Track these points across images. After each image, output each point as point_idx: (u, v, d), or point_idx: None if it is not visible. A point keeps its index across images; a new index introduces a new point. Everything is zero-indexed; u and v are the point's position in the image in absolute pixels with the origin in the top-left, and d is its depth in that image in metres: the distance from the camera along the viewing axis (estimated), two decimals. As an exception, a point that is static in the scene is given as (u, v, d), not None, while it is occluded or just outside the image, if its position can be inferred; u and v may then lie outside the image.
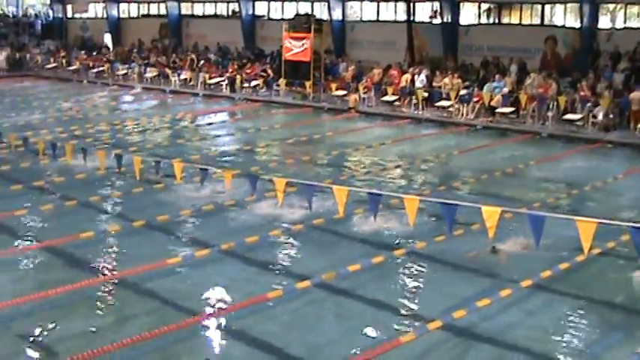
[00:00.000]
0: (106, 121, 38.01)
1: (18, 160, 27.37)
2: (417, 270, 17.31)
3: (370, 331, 14.23)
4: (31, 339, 14.01)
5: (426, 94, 39.45)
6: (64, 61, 58.64)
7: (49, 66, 59.30)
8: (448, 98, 38.80)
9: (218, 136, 34.67)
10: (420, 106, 39.29)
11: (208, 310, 15.27)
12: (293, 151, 30.76)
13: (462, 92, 38.34)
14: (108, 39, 63.70)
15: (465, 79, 39.76)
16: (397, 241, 18.89)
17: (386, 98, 40.92)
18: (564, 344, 13.87)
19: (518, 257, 17.73)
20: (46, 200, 22.67)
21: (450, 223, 14.82)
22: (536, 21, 43.42)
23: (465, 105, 37.86)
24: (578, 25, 40.94)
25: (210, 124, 38.59)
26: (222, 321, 14.80)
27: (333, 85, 42.99)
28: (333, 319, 14.88)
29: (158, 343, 13.71)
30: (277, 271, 17.28)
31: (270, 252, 18.38)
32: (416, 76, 40.60)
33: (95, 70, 55.52)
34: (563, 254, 17.71)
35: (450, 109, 38.53)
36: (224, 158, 29.56)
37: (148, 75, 51.98)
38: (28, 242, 19.28)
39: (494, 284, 16.24)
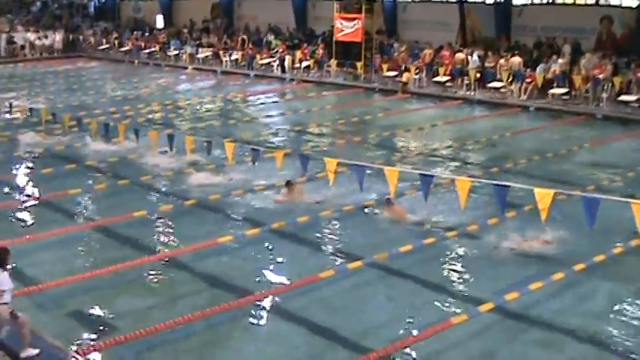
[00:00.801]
0: (157, 101, 38.23)
1: (72, 140, 27.69)
2: (468, 252, 17.20)
3: (421, 313, 14.19)
4: (85, 317, 14.19)
5: (478, 75, 39.06)
6: (116, 42, 59.03)
7: (101, 47, 59.72)
8: (501, 79, 38.36)
9: (269, 116, 34.69)
10: (473, 87, 38.93)
11: (259, 289, 15.31)
12: (344, 132, 30.70)
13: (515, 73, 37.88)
14: (160, 20, 63.90)
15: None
16: (448, 223, 18.78)
17: (437, 79, 40.62)
18: (616, 330, 13.69)
19: (572, 241, 17.51)
20: (100, 180, 22.91)
21: (502, 204, 14.70)
22: (591, 0, 42.73)
23: (518, 86, 37.41)
24: (634, 4, 40.21)
25: (261, 104, 38.64)
26: (273, 301, 14.85)
27: (385, 66, 42.78)
28: (384, 300, 14.85)
29: (209, 322, 13.81)
30: (328, 252, 17.30)
31: (321, 232, 18.39)
32: (469, 57, 40.20)
33: (147, 51, 55.80)
34: (618, 238, 17.49)
35: (503, 90, 38.11)
36: (275, 138, 29.61)
37: (200, 56, 52.15)
38: (82, 221, 19.50)
39: (547, 267, 16.08)
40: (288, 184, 20.11)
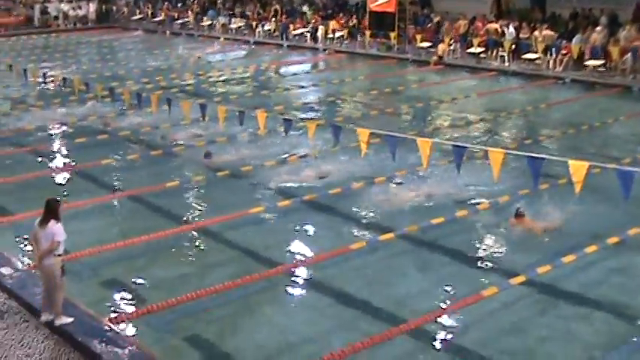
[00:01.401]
0: (190, 71, 38.28)
1: (104, 110, 27.82)
2: (500, 224, 17.09)
3: (451, 285, 14.14)
4: (118, 286, 14.30)
5: (513, 46, 38.66)
6: (149, 12, 59.08)
7: (135, 17, 59.81)
8: (536, 50, 37.95)
9: (302, 86, 34.63)
10: (507, 59, 38.54)
11: (290, 260, 15.35)
12: (377, 103, 30.57)
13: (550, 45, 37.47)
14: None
15: (555, 31, 38.73)
16: (481, 195, 18.68)
17: (471, 50, 40.27)
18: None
19: (606, 214, 17.36)
20: (132, 150, 23.01)
21: (535, 177, 14.55)
22: (629, -29, 42.05)
23: (553, 58, 37.00)
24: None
25: (293, 74, 38.56)
26: (305, 271, 14.88)
27: (418, 37, 42.51)
28: (415, 272, 14.83)
29: (241, 292, 13.87)
30: (360, 223, 17.26)
31: (353, 203, 18.34)
32: (505, 28, 39.76)
33: (180, 22, 55.79)
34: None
35: (538, 61, 37.71)
36: (307, 109, 29.55)
37: (233, 26, 52.06)
38: (115, 191, 19.61)
39: (580, 240, 15.95)
40: None
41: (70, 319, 12.28)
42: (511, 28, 39.21)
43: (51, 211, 11.96)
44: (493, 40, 39.64)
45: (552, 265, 14.60)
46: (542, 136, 25.06)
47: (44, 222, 11.90)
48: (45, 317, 12.29)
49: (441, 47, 39.98)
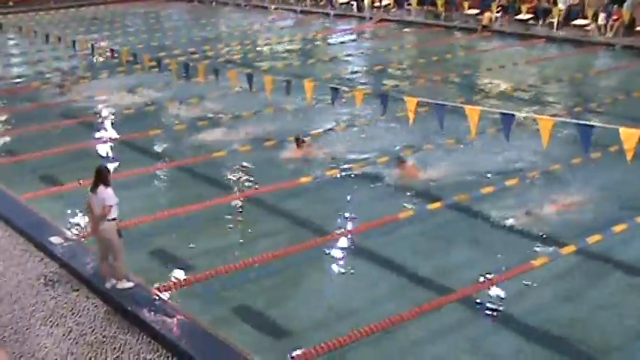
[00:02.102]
0: (237, 41, 38.24)
1: (152, 80, 27.95)
2: (551, 193, 16.88)
3: (501, 255, 14.04)
4: (166, 255, 14.39)
5: (559, 12, 38.05)
6: (196, -18, 59.14)
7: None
8: (586, 16, 37.35)
9: (349, 55, 34.42)
10: (557, 25, 37.97)
11: (338, 229, 15.32)
12: (424, 71, 30.32)
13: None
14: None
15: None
16: (530, 164, 18.48)
17: (520, 17, 39.75)
18: None
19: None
20: (183, 120, 23.07)
21: (585, 145, 14.32)
22: None
23: (604, 24, 36.38)
24: None
25: (340, 43, 38.35)
26: (353, 241, 14.85)
27: (466, 4, 42.07)
28: (465, 241, 14.71)
29: (289, 262, 13.88)
30: (408, 192, 17.17)
31: (400, 172, 18.22)
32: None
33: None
34: None
35: (588, 27, 37.10)
36: (354, 78, 29.40)
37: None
38: (163, 161, 19.71)
39: (631, 209, 15.73)
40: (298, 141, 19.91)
41: (132, 284, 12.43)
42: (565, -3, 38.56)
43: (100, 177, 12.10)
44: (542, 7, 39.08)
45: (603, 234, 14.40)
46: (592, 103, 24.69)
47: (94, 188, 12.07)
48: (109, 283, 12.43)
49: (488, 15, 39.49)
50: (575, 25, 37.50)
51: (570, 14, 38.16)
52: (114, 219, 12.09)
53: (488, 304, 12.44)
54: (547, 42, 36.57)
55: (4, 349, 10.31)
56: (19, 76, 31.38)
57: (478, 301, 12.51)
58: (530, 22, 39.29)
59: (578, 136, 13.95)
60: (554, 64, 32.42)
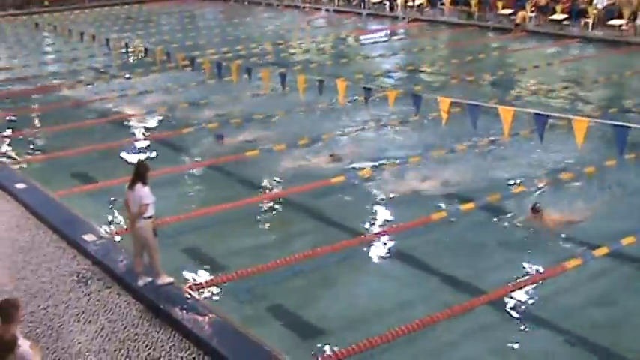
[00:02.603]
0: (269, 40, 38.30)
1: (186, 79, 28.09)
2: (583, 194, 16.77)
3: (533, 256, 13.96)
4: (198, 253, 14.45)
5: (595, 12, 37.71)
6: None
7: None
8: (621, 16, 37.00)
9: (381, 55, 34.36)
10: (592, 26, 37.64)
11: (371, 229, 15.30)
12: (457, 71, 30.19)
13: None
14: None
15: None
16: (564, 165, 18.36)
17: (554, 17, 39.46)
18: None
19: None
20: (216, 119, 23.14)
21: (620, 146, 14.21)
22: None
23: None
24: None
25: (373, 43, 38.29)
26: (385, 241, 14.83)
27: (500, 4, 41.83)
28: (497, 243, 14.62)
29: (321, 262, 13.88)
30: (441, 193, 17.10)
31: (433, 173, 18.19)
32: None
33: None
34: None
35: (623, 27, 36.75)
36: (387, 77, 29.36)
37: (312, -6, 51.96)
38: (195, 160, 19.77)
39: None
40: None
41: (171, 279, 12.50)
42: (603, -3, 38.21)
43: (138, 174, 12.17)
44: (577, 7, 38.78)
45: (636, 236, 14.25)
46: (627, 104, 24.48)
47: (132, 185, 12.15)
48: (142, 281, 12.50)
49: (522, 14, 39.24)
50: (610, 26, 37.14)
51: (606, 14, 37.79)
52: (150, 217, 12.15)
53: (521, 306, 12.38)
54: (582, 42, 36.26)
55: (38, 345, 10.38)
56: (53, 74, 31.63)
57: (510, 302, 12.45)
58: (565, 22, 38.98)
59: (612, 137, 13.85)
60: (589, 65, 32.20)
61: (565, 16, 38.91)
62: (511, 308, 12.33)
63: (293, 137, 20.97)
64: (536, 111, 15.81)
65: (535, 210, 15.30)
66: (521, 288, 12.79)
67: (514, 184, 17.31)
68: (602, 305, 12.50)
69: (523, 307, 12.38)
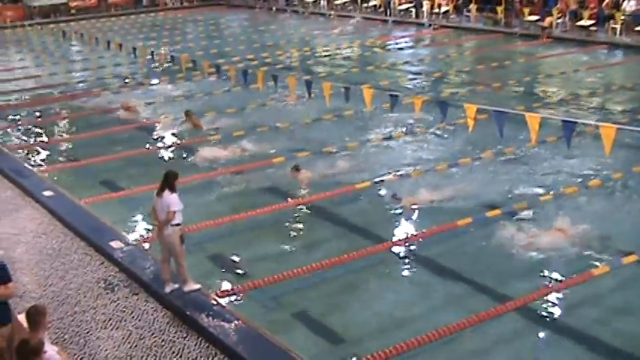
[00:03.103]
0: (295, 47, 38.34)
1: (211, 86, 28.19)
2: (612, 201, 16.66)
3: (560, 263, 13.86)
4: (224, 260, 14.47)
5: (622, 17, 37.42)
6: (255, -11, 59.47)
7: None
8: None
9: (407, 62, 34.31)
10: (620, 31, 37.36)
11: (396, 237, 15.24)
12: (484, 78, 30.07)
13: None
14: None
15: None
16: (592, 171, 18.24)
17: (581, 23, 39.25)
18: None
19: None
20: (241, 126, 23.16)
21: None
22: None
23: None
24: None
25: (399, 50, 38.25)
26: (411, 248, 14.76)
27: (526, 10, 41.68)
28: (523, 249, 14.50)
29: (347, 269, 13.85)
30: (465, 200, 17.02)
31: (458, 180, 18.14)
32: (624, 2, 38.44)
33: (285, -2, 56.04)
34: None
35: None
36: (413, 84, 29.30)
37: (338, 2, 51.93)
38: (221, 167, 19.78)
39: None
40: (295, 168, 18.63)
41: (198, 286, 12.53)
42: (632, 2, 37.88)
43: (167, 182, 12.23)
44: (604, 13, 38.55)
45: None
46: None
47: (160, 192, 12.22)
48: (169, 288, 12.54)
49: (548, 20, 39.05)
50: (638, 31, 36.84)
51: (633, 20, 37.50)
52: (178, 224, 12.18)
53: (547, 313, 12.30)
54: (610, 48, 36.00)
55: (65, 351, 10.43)
56: (80, 82, 31.83)
57: (536, 310, 12.37)
58: (592, 28, 38.75)
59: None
60: (616, 71, 31.99)
61: (592, 22, 38.69)
62: (537, 315, 12.25)
63: (318, 144, 20.96)
64: (564, 118, 15.72)
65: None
66: (547, 295, 12.71)
67: (541, 191, 17.20)
68: (629, 313, 12.39)
69: (549, 314, 12.29)
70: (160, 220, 12.27)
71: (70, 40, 42.18)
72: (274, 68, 30.87)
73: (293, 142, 21.54)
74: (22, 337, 8.80)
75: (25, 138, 23.22)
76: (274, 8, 54.55)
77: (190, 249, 13.61)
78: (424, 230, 15.40)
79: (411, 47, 39.37)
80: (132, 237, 15.06)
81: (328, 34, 43.64)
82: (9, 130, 24.24)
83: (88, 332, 11.68)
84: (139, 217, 16.34)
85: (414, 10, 46.79)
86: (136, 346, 11.26)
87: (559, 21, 39.85)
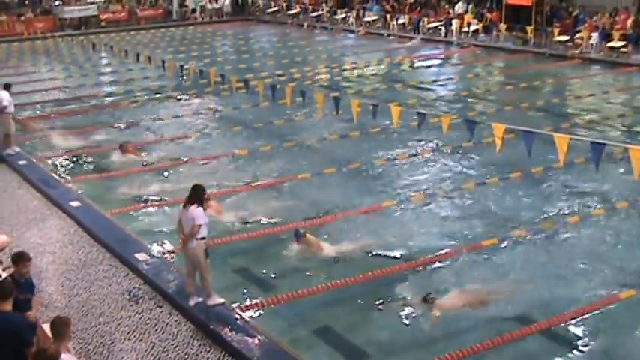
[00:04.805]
0: (324, 64, 38.40)
1: (240, 101, 28.29)
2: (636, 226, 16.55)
3: (586, 285, 13.77)
4: (248, 274, 14.49)
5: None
6: (284, 4, 59.55)
7: (270, 10, 60.38)
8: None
9: (435, 80, 34.25)
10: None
11: (421, 255, 15.17)
12: (512, 98, 29.93)
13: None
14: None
15: None
16: (620, 194, 18.11)
17: (611, 44, 39.03)
18: None
19: None
20: (265, 142, 23.19)
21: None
22: None
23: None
24: None
25: (427, 68, 38.19)
26: (435, 266, 14.69)
27: (556, 30, 41.52)
28: (548, 271, 14.43)
29: (371, 285, 13.85)
30: (493, 219, 16.98)
31: (486, 198, 18.11)
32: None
33: (314, 14, 55.99)
34: None
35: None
36: (441, 103, 29.25)
37: (367, 19, 51.95)
38: (247, 181, 19.80)
39: None
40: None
41: (222, 300, 12.57)
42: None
43: (194, 196, 12.31)
44: (634, 34, 38.32)
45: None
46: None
47: (187, 205, 12.29)
48: (193, 301, 12.58)
49: (577, 43, 38.87)
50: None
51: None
52: (203, 238, 12.22)
53: (571, 336, 12.22)
54: None
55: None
56: (109, 95, 32.00)
57: (561, 333, 12.30)
58: (623, 49, 38.52)
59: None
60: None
61: (623, 43, 38.45)
62: (563, 338, 12.17)
63: (341, 161, 20.98)
64: (592, 139, 15.65)
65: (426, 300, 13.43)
66: (573, 318, 12.64)
67: (567, 211, 17.12)
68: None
69: (574, 336, 12.21)
70: (185, 233, 12.31)
71: (99, 52, 42.48)
72: (302, 84, 30.87)
73: (316, 158, 21.57)
74: (40, 346, 8.84)
75: (53, 148, 23.32)
76: (306, 24, 54.47)
77: (215, 262, 13.64)
78: (448, 249, 15.35)
79: (438, 65, 39.16)
80: (157, 249, 15.10)
81: (357, 51, 43.22)
82: (37, 140, 24.36)
83: (111, 343, 11.73)
84: (164, 229, 16.35)
85: (443, 28, 46.71)
86: (159, 358, 11.29)
87: (590, 42, 39.59)
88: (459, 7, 46.84)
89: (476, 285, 13.76)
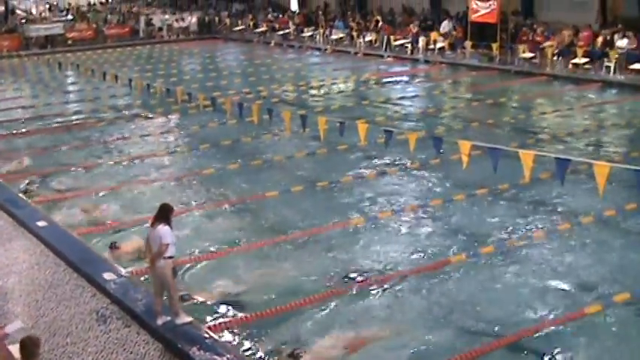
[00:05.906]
0: (291, 82, 38.49)
1: (207, 120, 28.27)
2: (604, 240, 16.69)
3: (551, 300, 13.87)
4: (217, 293, 14.43)
5: (616, 56, 37.53)
6: (251, 23, 59.63)
7: (236, 28, 60.41)
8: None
9: (402, 97, 34.38)
10: (614, 70, 37.45)
11: (385, 272, 15.20)
12: (478, 115, 30.13)
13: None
14: (295, 1, 64.16)
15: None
16: (584, 209, 18.27)
17: (575, 61, 39.41)
18: None
19: None
20: (232, 160, 23.20)
21: (642, 191, 14.17)
22: None
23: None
24: None
25: (394, 84, 38.36)
26: (400, 284, 14.71)
27: (521, 47, 41.88)
28: (512, 286, 14.53)
29: (339, 303, 13.87)
30: (461, 234, 17.08)
31: (453, 215, 18.21)
32: (618, 41, 38.59)
33: (281, 33, 56.09)
34: None
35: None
36: (408, 120, 29.38)
37: (334, 37, 52.10)
38: (215, 200, 19.80)
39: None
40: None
41: (190, 318, 12.52)
42: (625, 41, 38.06)
43: (161, 214, 12.29)
44: (598, 51, 38.73)
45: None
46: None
47: (154, 223, 12.26)
48: (161, 320, 12.52)
49: (541, 60, 39.22)
50: (633, 70, 36.92)
51: (628, 58, 37.60)
52: (170, 257, 12.20)
53: (538, 351, 12.28)
54: (603, 86, 35.99)
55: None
56: (75, 113, 31.84)
57: (526, 346, 12.38)
58: (586, 66, 38.88)
59: (634, 182, 13.79)
60: (610, 109, 31.99)
61: (586, 59, 38.83)
62: (528, 353, 12.29)
63: (310, 179, 21.01)
64: (557, 155, 15.80)
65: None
66: (537, 332, 12.74)
67: (534, 226, 17.25)
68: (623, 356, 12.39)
69: (539, 352, 12.27)
70: (152, 253, 12.28)
71: (66, 71, 42.29)
72: (269, 102, 30.93)
73: (286, 176, 21.58)
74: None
75: (20, 168, 23.17)
76: (272, 42, 54.54)
77: (185, 281, 13.60)
78: (416, 266, 15.43)
79: (405, 83, 39.33)
80: (124, 269, 15.03)
81: (324, 69, 43.42)
82: (1, 160, 24.19)
83: (79, 364, 11.65)
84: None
85: (409, 45, 46.94)
86: (127, 378, 11.23)
87: (554, 59, 39.93)
88: (444, 27, 47.02)
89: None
